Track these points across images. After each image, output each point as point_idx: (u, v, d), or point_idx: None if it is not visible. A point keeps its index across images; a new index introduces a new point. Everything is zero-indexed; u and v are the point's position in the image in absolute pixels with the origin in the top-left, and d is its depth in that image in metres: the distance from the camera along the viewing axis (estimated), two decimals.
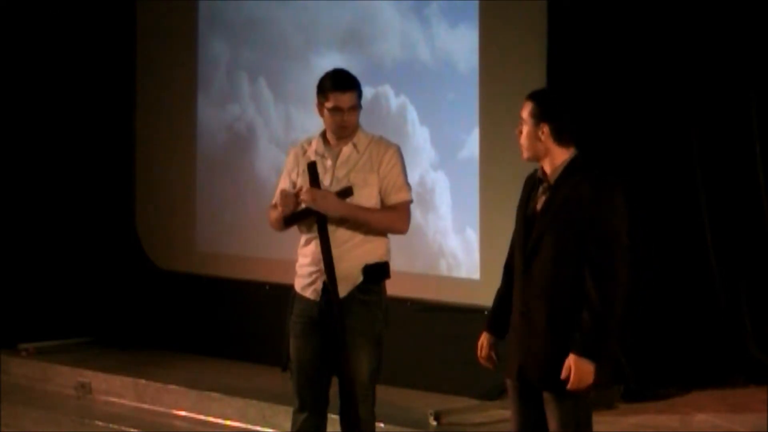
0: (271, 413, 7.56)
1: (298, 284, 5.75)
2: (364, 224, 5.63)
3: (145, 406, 8.26)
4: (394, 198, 5.69)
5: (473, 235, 7.71)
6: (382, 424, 7.13)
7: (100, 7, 9.64)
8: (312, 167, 5.66)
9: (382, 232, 5.70)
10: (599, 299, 4.72)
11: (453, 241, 7.85)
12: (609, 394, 7.35)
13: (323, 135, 5.80)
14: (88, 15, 9.65)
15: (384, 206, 5.70)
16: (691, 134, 7.78)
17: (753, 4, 7.59)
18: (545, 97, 4.97)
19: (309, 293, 5.69)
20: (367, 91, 8.22)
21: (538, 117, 4.89)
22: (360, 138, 5.74)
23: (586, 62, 7.49)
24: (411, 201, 5.76)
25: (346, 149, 5.71)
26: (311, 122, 8.63)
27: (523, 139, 4.94)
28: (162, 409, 8.17)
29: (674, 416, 7.15)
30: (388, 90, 8.17)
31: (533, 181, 5.01)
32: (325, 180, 5.68)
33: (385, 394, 7.74)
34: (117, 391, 8.47)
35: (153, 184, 9.61)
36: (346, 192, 5.62)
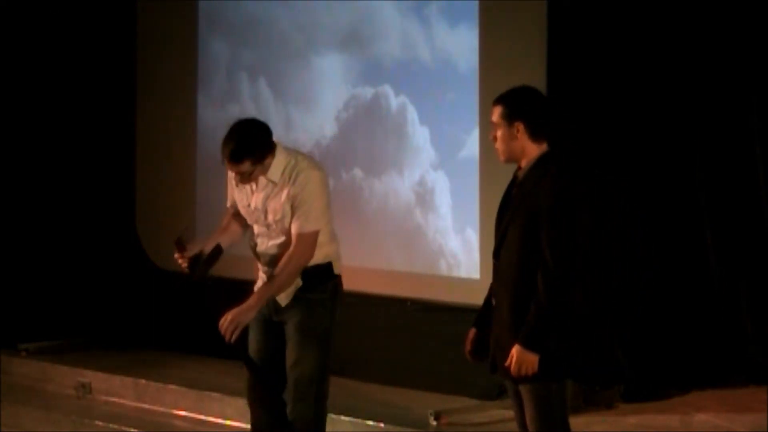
0: None
1: (256, 285, 5.95)
2: (283, 288, 5.73)
3: (145, 406, 8.26)
4: (297, 226, 5.70)
5: (473, 235, 7.71)
6: (382, 424, 7.14)
7: (101, 8, 9.63)
8: (178, 242, 5.88)
9: (321, 241, 5.76)
10: (543, 292, 4.82)
11: (453, 241, 7.85)
12: (609, 394, 7.36)
13: None
14: (88, 15, 9.65)
15: (292, 232, 5.73)
16: (691, 134, 7.78)
17: (754, 4, 7.59)
18: (514, 97, 5.05)
19: None
20: (367, 91, 8.26)
21: (511, 117, 4.99)
22: (274, 168, 5.73)
23: (586, 62, 7.49)
24: (317, 231, 5.74)
25: (262, 180, 5.77)
26: (311, 122, 8.67)
27: (499, 143, 5.04)
28: (162, 409, 8.17)
29: (674, 416, 7.14)
30: (388, 90, 8.16)
31: (514, 179, 5.13)
32: (252, 202, 5.81)
33: (385, 394, 7.76)
34: (117, 391, 8.47)
35: (153, 183, 9.61)
36: (215, 254, 5.78)
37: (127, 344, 9.36)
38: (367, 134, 8.28)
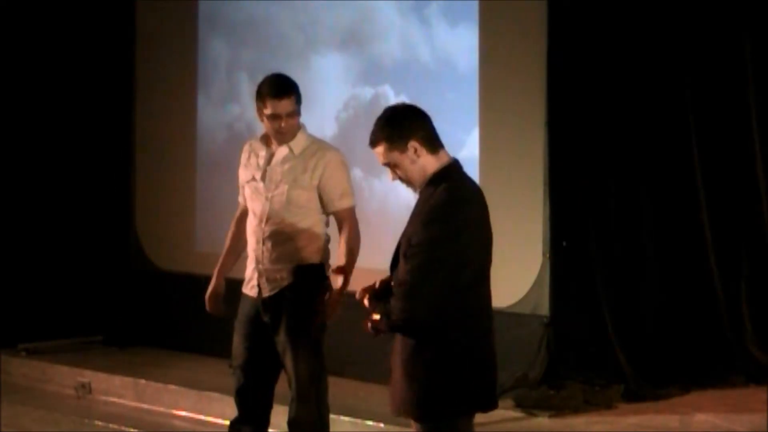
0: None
1: (244, 283, 5.91)
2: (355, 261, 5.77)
3: (145, 406, 8.26)
4: (338, 204, 5.80)
5: None
6: (382, 424, 7.13)
7: (100, 8, 9.64)
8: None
9: (319, 233, 5.80)
10: (394, 315, 4.52)
11: None
12: (609, 394, 7.35)
13: (265, 135, 5.89)
14: (88, 16, 9.65)
15: (328, 212, 5.80)
16: (691, 134, 7.78)
17: (753, 4, 7.60)
18: (387, 124, 4.70)
19: (249, 290, 5.85)
20: (367, 91, 8.26)
21: (400, 142, 4.61)
22: (298, 140, 5.81)
23: (586, 62, 7.49)
24: (354, 206, 5.86)
25: (282, 150, 5.80)
26: (311, 122, 8.62)
27: (407, 177, 4.61)
28: (162, 409, 8.17)
29: (674, 416, 7.14)
30: (388, 90, 8.17)
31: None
32: (257, 175, 5.82)
33: (385, 394, 7.75)
34: (117, 391, 8.48)
35: (153, 184, 9.61)
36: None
37: (127, 344, 9.37)
38: (367, 134, 8.26)
